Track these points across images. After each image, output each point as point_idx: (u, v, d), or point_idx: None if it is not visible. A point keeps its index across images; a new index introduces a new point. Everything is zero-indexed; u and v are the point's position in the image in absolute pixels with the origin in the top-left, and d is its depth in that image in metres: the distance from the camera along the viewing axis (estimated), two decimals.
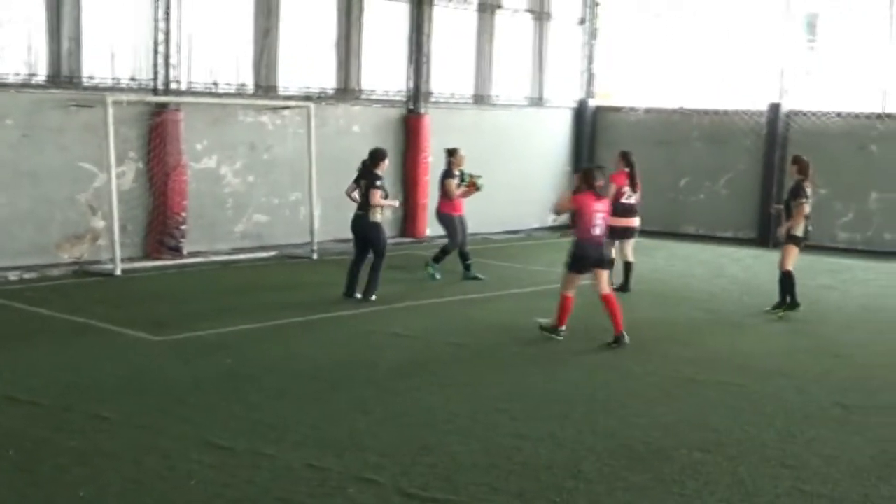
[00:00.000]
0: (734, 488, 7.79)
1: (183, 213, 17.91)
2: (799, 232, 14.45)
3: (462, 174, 16.76)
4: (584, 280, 12.78)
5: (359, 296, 14.73)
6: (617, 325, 12.44)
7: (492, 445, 8.56)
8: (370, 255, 14.85)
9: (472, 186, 16.70)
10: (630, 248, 16.69)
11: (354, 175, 14.96)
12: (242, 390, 10.02)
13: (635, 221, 16.76)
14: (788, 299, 14.72)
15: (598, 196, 12.46)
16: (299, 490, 7.48)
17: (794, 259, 14.62)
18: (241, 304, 14.53)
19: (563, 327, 12.65)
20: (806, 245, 14.79)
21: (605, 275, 12.58)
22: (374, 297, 14.64)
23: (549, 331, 12.66)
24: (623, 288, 16.07)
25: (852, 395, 10.52)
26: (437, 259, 16.81)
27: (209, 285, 16.08)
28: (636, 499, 7.54)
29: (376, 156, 14.85)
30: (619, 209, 16.08)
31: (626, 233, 16.51)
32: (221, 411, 9.30)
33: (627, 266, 16.56)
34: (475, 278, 16.74)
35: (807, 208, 14.42)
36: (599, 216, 12.37)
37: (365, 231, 14.76)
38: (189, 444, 8.34)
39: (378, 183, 14.63)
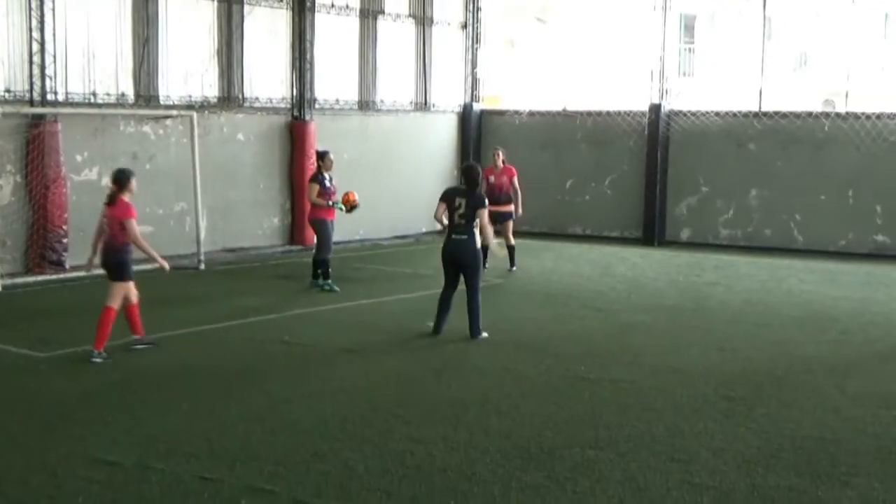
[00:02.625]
0: (626, 484, 7.88)
1: (64, 227, 17.54)
2: None
3: (335, 203, 16.24)
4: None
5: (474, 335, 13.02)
6: (97, 341, 11.68)
7: (385, 450, 8.54)
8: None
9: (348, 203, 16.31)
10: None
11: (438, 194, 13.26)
12: (131, 404, 9.85)
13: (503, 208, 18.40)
14: None
15: (109, 203, 11.84)
16: (190, 503, 7.37)
17: None
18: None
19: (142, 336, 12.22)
20: None
21: (112, 285, 11.94)
22: (485, 334, 12.99)
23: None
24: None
25: (738, 388, 10.74)
26: (323, 275, 16.26)
27: (94, 299, 15.60)
28: (530, 499, 7.58)
29: (472, 173, 13.17)
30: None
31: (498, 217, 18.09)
32: (110, 426, 9.12)
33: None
34: (330, 289, 16.03)
35: None
36: (104, 220, 11.93)
37: (465, 258, 12.89)
38: (77, 461, 8.17)
39: (487, 202, 13.09)
